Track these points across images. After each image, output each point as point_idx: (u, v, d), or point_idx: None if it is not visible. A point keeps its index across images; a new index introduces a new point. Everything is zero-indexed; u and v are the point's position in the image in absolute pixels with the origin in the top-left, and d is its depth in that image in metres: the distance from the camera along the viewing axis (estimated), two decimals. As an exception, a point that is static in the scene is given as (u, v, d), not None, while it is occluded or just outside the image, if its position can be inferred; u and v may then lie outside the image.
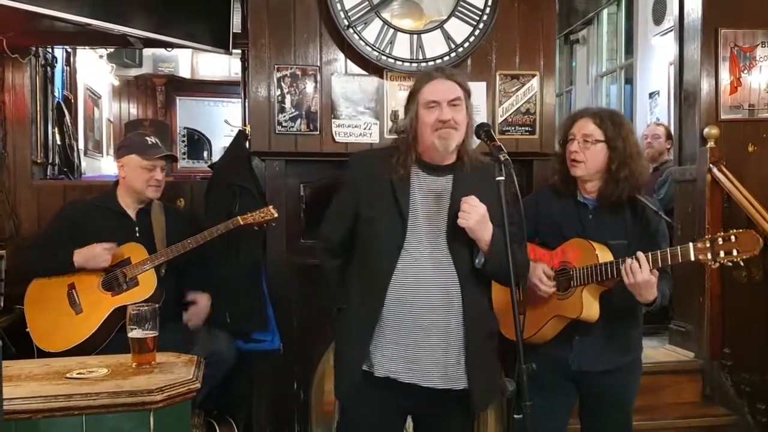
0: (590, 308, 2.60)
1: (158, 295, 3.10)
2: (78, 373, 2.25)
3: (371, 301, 2.41)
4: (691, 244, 2.37)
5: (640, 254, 2.42)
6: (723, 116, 4.21)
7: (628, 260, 2.44)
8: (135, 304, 2.45)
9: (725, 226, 3.98)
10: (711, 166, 4.05)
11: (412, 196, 2.44)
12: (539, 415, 2.20)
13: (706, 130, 4.12)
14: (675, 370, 4.17)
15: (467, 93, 2.48)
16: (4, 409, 1.95)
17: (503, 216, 2.26)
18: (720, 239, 2.30)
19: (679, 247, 2.40)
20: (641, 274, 2.41)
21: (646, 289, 2.44)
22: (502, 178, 2.30)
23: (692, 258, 2.36)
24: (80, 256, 3.12)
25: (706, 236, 2.40)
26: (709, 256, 2.33)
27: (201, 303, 3.38)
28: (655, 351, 4.38)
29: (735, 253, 2.28)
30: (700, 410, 4.04)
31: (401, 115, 3.47)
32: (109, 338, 3.08)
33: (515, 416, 2.17)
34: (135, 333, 2.34)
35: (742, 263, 2.32)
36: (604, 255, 2.57)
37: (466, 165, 2.48)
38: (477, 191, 2.40)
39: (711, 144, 4.09)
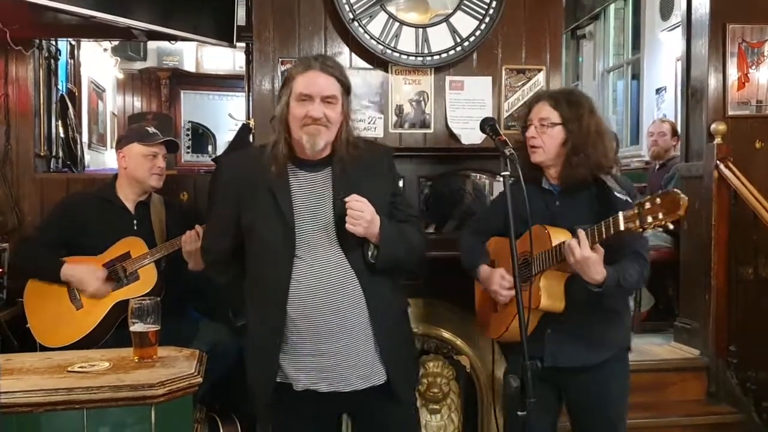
0: (549, 297, 2.48)
1: (159, 289, 3.09)
2: (80, 367, 2.25)
3: (272, 316, 2.29)
4: (620, 213, 2.24)
5: (580, 231, 2.32)
6: (730, 112, 4.19)
7: (571, 239, 2.34)
8: (136, 298, 2.44)
9: (732, 223, 3.96)
10: (718, 162, 4.03)
11: (293, 198, 2.30)
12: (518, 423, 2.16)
13: (713, 127, 4.09)
14: (680, 368, 4.15)
15: (346, 89, 2.34)
16: (5, 403, 1.94)
17: (393, 195, 2.29)
18: (647, 203, 2.16)
19: (611, 218, 2.27)
20: (579, 250, 2.30)
21: (589, 267, 2.31)
22: (507, 172, 2.28)
23: (621, 227, 2.22)
24: (68, 271, 3.11)
25: (636, 203, 2.24)
26: (638, 222, 2.18)
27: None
28: (660, 348, 4.36)
29: (660, 216, 2.13)
30: (705, 408, 4.02)
31: (406, 109, 3.50)
32: (109, 333, 3.07)
33: (519, 413, 2.15)
34: (137, 327, 2.33)
35: (671, 226, 2.15)
36: (560, 239, 2.43)
37: (341, 157, 2.33)
38: (358, 182, 2.31)
39: (718, 140, 4.06)
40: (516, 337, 2.58)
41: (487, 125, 2.48)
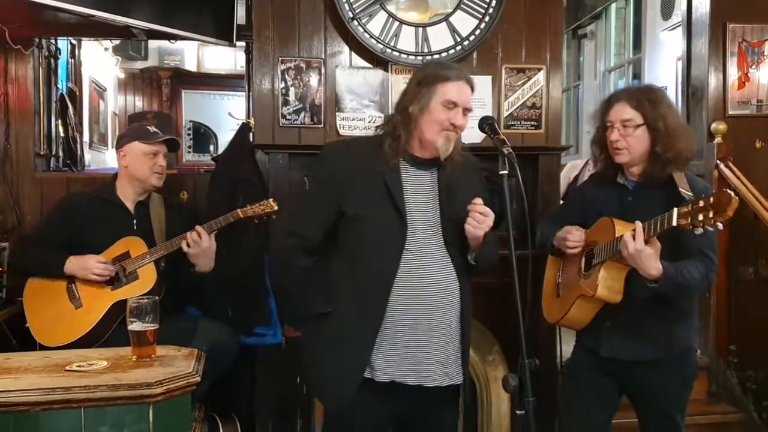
0: (606, 286, 2.50)
1: (158, 289, 3.08)
2: (77, 366, 2.24)
3: (371, 305, 2.32)
4: (675, 209, 2.24)
5: (637, 223, 2.34)
6: (730, 112, 4.19)
7: (627, 232, 2.35)
8: (135, 297, 2.43)
9: (732, 223, 3.95)
10: (718, 162, 4.03)
11: (405, 192, 2.37)
12: (578, 416, 2.15)
13: (713, 126, 4.09)
14: (680, 367, 4.14)
15: None
16: (3, 402, 1.94)
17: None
18: (701, 201, 2.16)
19: (666, 213, 2.27)
20: (633, 243, 2.32)
21: (642, 261, 2.33)
22: (506, 171, 2.28)
23: (674, 222, 2.22)
24: (73, 264, 3.11)
25: (692, 198, 2.27)
26: (690, 220, 2.18)
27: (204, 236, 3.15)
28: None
29: (711, 215, 2.12)
30: (705, 407, 4.01)
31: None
32: (108, 332, 3.07)
33: (517, 412, 2.15)
34: (135, 326, 2.33)
35: (720, 226, 2.15)
36: (623, 231, 2.44)
37: (451, 160, 2.41)
38: (461, 185, 2.41)
39: (718, 140, 4.06)
40: (573, 325, 2.68)
41: (486, 124, 2.47)
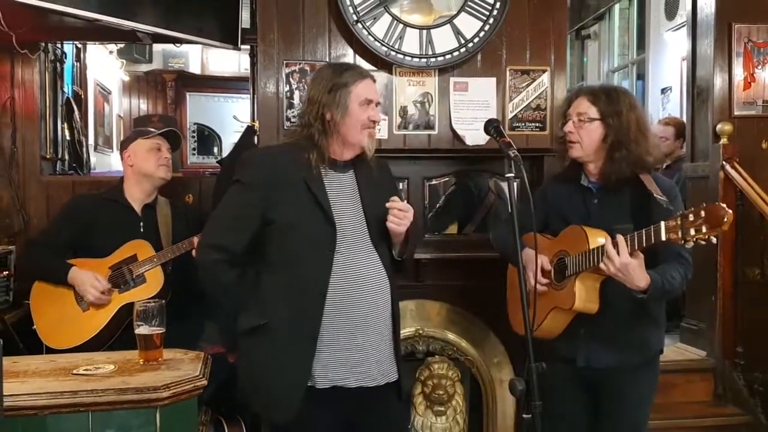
0: (583, 298, 2.48)
1: (165, 292, 3.09)
2: (84, 370, 2.25)
3: (307, 312, 2.32)
4: (662, 223, 2.21)
5: (619, 237, 2.31)
6: (736, 112, 4.17)
7: (608, 244, 2.31)
8: (142, 301, 2.44)
9: (739, 224, 3.94)
10: (724, 163, 4.01)
11: (329, 196, 2.39)
12: (553, 425, 2.15)
13: (719, 127, 4.08)
14: (687, 369, 4.13)
15: None
16: (11, 406, 1.95)
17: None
18: (691, 215, 2.14)
19: (652, 226, 2.25)
20: (618, 258, 2.28)
21: (629, 274, 2.30)
22: (512, 174, 2.28)
23: (663, 237, 2.20)
24: (75, 277, 3.11)
25: (678, 213, 2.21)
26: (680, 234, 2.16)
27: None
28: (667, 349, 4.26)
29: (704, 230, 2.10)
30: (711, 409, 4.01)
31: (410, 110, 3.49)
32: (115, 336, 3.08)
33: (524, 416, 2.15)
34: (142, 329, 2.34)
35: (714, 240, 2.13)
36: (597, 241, 2.42)
37: (366, 160, 2.48)
38: (377, 184, 2.49)
39: (724, 140, 4.05)
40: (547, 335, 2.62)
41: (492, 126, 2.48)
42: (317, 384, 2.33)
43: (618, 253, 2.29)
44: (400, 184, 3.51)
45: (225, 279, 2.40)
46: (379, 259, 2.43)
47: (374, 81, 2.48)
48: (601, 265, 2.34)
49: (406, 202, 2.45)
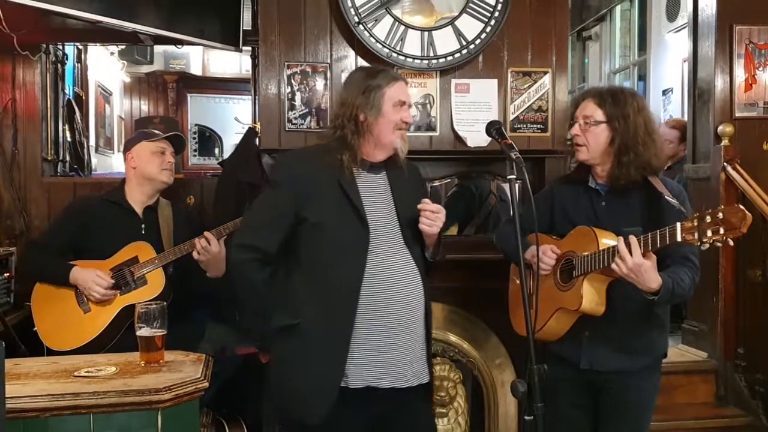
0: (591, 300, 2.46)
1: (167, 294, 3.09)
2: (86, 372, 2.26)
3: (340, 313, 2.33)
4: (678, 224, 2.20)
5: (631, 238, 2.29)
6: (737, 114, 4.17)
7: (621, 245, 2.29)
8: (143, 302, 2.44)
9: (733, 238, 3.94)
10: (725, 164, 4.01)
11: (362, 196, 2.41)
12: (554, 427, 2.15)
13: (720, 128, 4.07)
14: (688, 371, 4.13)
15: None
16: (12, 408, 1.95)
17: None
18: (708, 217, 2.12)
19: (667, 228, 2.23)
20: (631, 259, 2.26)
21: (642, 276, 2.28)
22: (514, 175, 2.28)
23: (679, 239, 2.19)
24: (77, 276, 3.11)
25: (695, 215, 2.20)
26: (696, 236, 2.14)
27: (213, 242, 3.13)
28: (668, 350, 4.32)
29: (721, 231, 2.09)
30: (713, 411, 4.00)
31: (412, 112, 3.45)
32: (117, 337, 3.08)
33: (526, 418, 2.14)
34: (143, 331, 2.34)
35: (731, 243, 2.13)
36: (607, 242, 2.42)
37: (397, 162, 2.51)
38: (410, 186, 2.52)
39: (725, 142, 4.05)
40: (550, 337, 2.61)
41: (493, 128, 2.47)
42: (350, 384, 2.34)
43: (631, 253, 2.28)
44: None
45: (257, 278, 2.41)
46: (412, 259, 2.44)
47: (406, 83, 2.52)
48: (613, 266, 2.32)
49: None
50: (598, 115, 2.53)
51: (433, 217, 2.38)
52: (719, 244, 2.15)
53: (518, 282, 2.81)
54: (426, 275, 2.49)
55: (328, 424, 2.32)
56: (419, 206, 2.39)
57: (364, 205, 2.40)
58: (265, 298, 2.43)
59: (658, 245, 2.27)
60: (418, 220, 2.40)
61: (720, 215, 2.11)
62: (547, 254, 2.57)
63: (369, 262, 2.36)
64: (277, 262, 2.43)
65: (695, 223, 2.16)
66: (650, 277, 2.30)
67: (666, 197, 2.43)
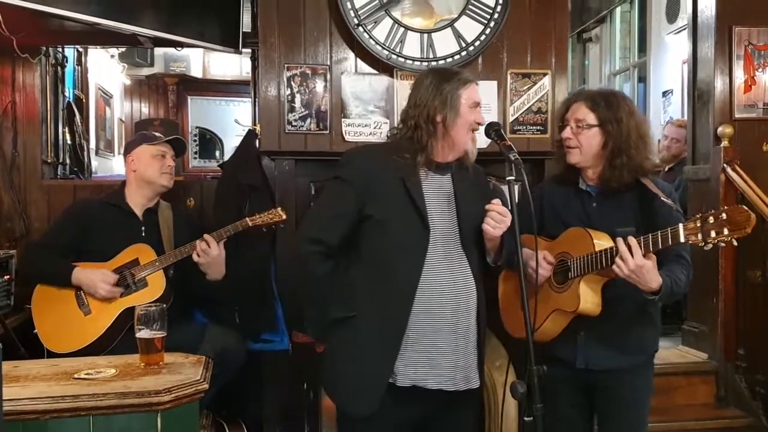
0: (588, 300, 2.46)
1: (167, 296, 3.10)
2: (86, 374, 2.26)
3: (395, 311, 2.34)
4: (681, 225, 2.21)
5: (631, 239, 2.29)
6: (737, 115, 4.18)
7: (621, 245, 2.30)
8: (143, 304, 2.44)
9: (738, 238, 3.94)
10: (725, 165, 4.02)
11: (426, 197, 2.41)
12: (551, 428, 2.15)
13: (719, 129, 4.08)
14: (688, 372, 4.14)
15: None
16: (12, 410, 1.95)
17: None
18: (711, 218, 2.13)
19: (669, 229, 2.24)
20: (632, 260, 2.27)
21: (643, 276, 2.29)
22: (513, 177, 2.29)
23: (682, 239, 2.20)
24: (81, 276, 3.12)
25: (697, 215, 2.21)
26: (700, 236, 2.15)
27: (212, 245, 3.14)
28: (668, 352, 4.34)
29: (726, 232, 2.10)
30: (713, 412, 4.01)
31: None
32: (117, 339, 3.08)
33: (526, 419, 2.14)
34: (143, 333, 2.34)
35: (735, 243, 2.14)
36: (602, 243, 2.42)
37: (465, 164, 2.50)
38: (475, 189, 2.49)
39: (725, 143, 4.06)
40: (545, 338, 2.59)
41: (492, 130, 2.47)
42: (398, 381, 2.35)
43: (632, 254, 2.28)
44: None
45: (320, 270, 2.43)
46: (468, 264, 2.43)
47: (477, 85, 2.52)
48: (615, 267, 2.32)
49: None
50: (591, 118, 2.52)
51: (498, 219, 2.35)
52: (723, 245, 2.16)
53: (509, 284, 2.82)
54: (482, 281, 2.48)
55: (375, 418, 2.34)
56: (487, 206, 2.37)
57: (426, 206, 2.40)
58: (326, 290, 2.45)
59: (660, 246, 2.27)
60: (478, 224, 2.39)
61: (724, 216, 2.12)
62: (542, 266, 2.55)
63: (426, 263, 2.36)
64: (340, 256, 2.45)
65: (698, 224, 2.17)
66: (651, 278, 2.31)
67: (662, 198, 2.44)
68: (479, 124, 2.46)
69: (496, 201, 2.39)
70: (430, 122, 2.41)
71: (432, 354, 2.36)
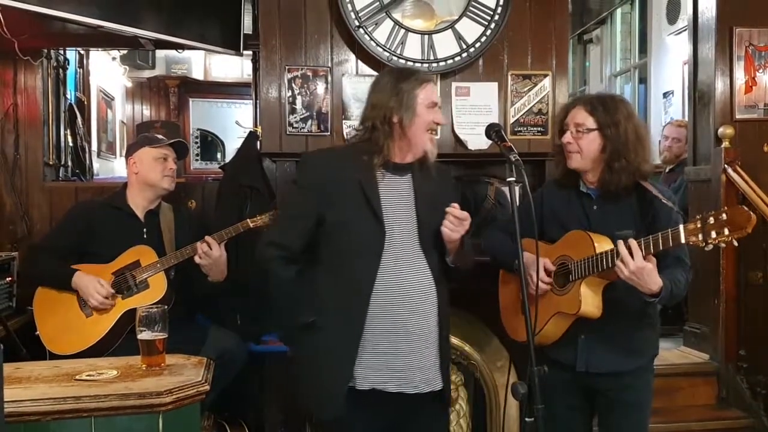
0: (589, 303, 2.46)
1: (169, 298, 3.10)
2: (87, 375, 2.25)
3: (352, 311, 2.34)
4: (681, 226, 2.22)
5: (631, 241, 2.30)
6: (738, 116, 4.18)
7: (622, 248, 2.30)
8: (145, 306, 2.45)
9: (738, 238, 3.94)
10: (726, 166, 4.01)
11: (382, 198, 2.40)
12: (551, 430, 2.16)
13: (720, 130, 4.08)
14: (690, 373, 4.13)
15: None
16: (14, 411, 1.95)
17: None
18: (711, 218, 2.14)
19: (669, 230, 2.25)
20: (633, 262, 2.27)
21: (643, 278, 2.29)
22: (513, 178, 2.29)
23: (683, 240, 2.21)
24: (79, 282, 3.12)
25: (698, 216, 2.22)
26: (700, 237, 2.16)
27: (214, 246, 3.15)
28: (670, 353, 4.34)
29: (726, 232, 2.11)
30: (715, 413, 4.00)
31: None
32: (119, 341, 3.08)
33: (526, 420, 2.15)
34: (144, 335, 2.34)
35: (735, 243, 2.14)
36: (603, 246, 2.43)
37: (427, 164, 2.48)
38: (436, 189, 2.47)
39: (726, 144, 4.05)
40: (545, 341, 2.59)
41: (493, 131, 2.48)
42: (357, 385, 2.34)
43: (632, 256, 2.29)
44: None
45: (282, 275, 2.43)
46: (427, 265, 2.41)
47: (435, 84, 2.53)
48: (616, 269, 2.32)
49: None
50: (590, 122, 2.53)
51: (456, 223, 2.34)
52: (723, 245, 2.16)
53: (508, 287, 2.82)
54: (443, 282, 2.46)
55: (340, 422, 2.34)
56: (447, 209, 2.36)
57: (383, 207, 2.38)
58: (289, 295, 2.45)
59: (661, 247, 2.28)
60: (438, 225, 2.38)
61: (724, 216, 2.13)
62: (541, 278, 2.55)
63: (382, 265, 2.35)
64: (302, 262, 2.45)
65: (699, 225, 2.18)
66: (652, 280, 2.31)
67: (663, 200, 2.45)
68: (437, 124, 2.46)
69: (455, 204, 2.37)
70: (386, 123, 2.40)
71: (390, 357, 2.34)
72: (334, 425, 2.38)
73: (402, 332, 2.35)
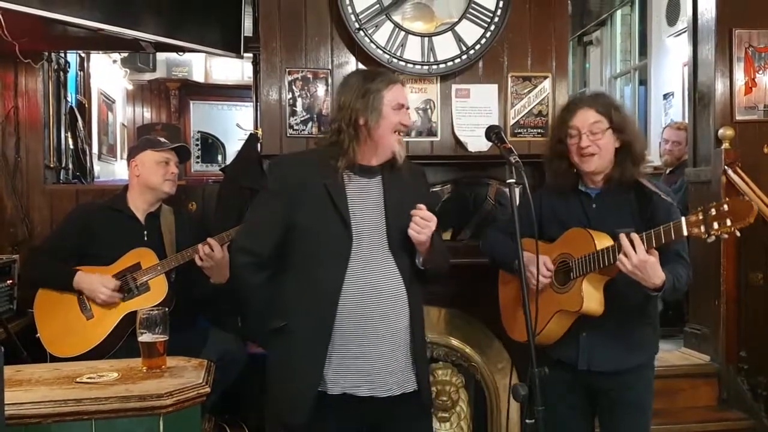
0: (592, 300, 2.46)
1: (169, 301, 3.10)
2: (88, 378, 2.25)
3: (320, 316, 2.33)
4: (683, 218, 2.23)
5: (633, 234, 2.30)
6: (738, 117, 4.18)
7: (624, 241, 2.30)
8: (145, 309, 2.45)
9: (741, 229, 3.94)
10: (726, 167, 4.02)
11: (349, 201, 2.38)
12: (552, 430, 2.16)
13: (720, 132, 4.08)
14: (690, 374, 4.13)
15: None
16: (14, 414, 1.95)
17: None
18: (713, 209, 2.15)
19: (671, 222, 2.26)
20: (636, 255, 2.27)
21: (647, 271, 2.29)
22: (513, 180, 2.29)
23: (685, 232, 2.21)
24: (82, 281, 3.13)
25: (699, 208, 2.23)
26: (703, 229, 2.17)
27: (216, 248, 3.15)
28: (671, 354, 4.34)
29: (728, 223, 2.12)
30: (716, 414, 4.00)
31: (413, 117, 3.48)
32: (119, 344, 3.09)
33: (527, 421, 2.15)
34: (145, 337, 2.34)
35: (738, 233, 2.14)
36: (603, 242, 2.43)
37: (398, 166, 2.45)
38: (407, 191, 2.43)
39: (726, 145, 4.05)
40: (547, 340, 2.59)
41: (493, 133, 2.48)
42: (328, 390, 2.33)
43: (635, 250, 2.28)
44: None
45: (253, 281, 2.43)
46: (396, 267, 2.39)
47: (404, 85, 2.49)
48: (618, 263, 2.32)
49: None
50: (605, 122, 2.54)
51: (422, 224, 2.31)
52: (726, 236, 2.16)
53: (508, 287, 2.82)
54: (414, 284, 2.44)
55: (311, 427, 2.33)
56: (412, 211, 2.33)
57: (350, 211, 2.37)
58: (261, 300, 2.44)
59: (663, 240, 2.28)
60: (408, 227, 2.36)
61: (725, 207, 2.13)
62: (542, 273, 2.56)
63: (350, 268, 2.33)
64: (272, 267, 2.44)
65: (700, 216, 2.19)
66: (655, 273, 2.31)
67: (662, 196, 2.47)
68: (405, 125, 2.44)
69: (421, 206, 2.34)
70: (352, 126, 2.38)
71: (359, 360, 2.33)
72: (304, 430, 2.35)
73: (372, 336, 2.33)
